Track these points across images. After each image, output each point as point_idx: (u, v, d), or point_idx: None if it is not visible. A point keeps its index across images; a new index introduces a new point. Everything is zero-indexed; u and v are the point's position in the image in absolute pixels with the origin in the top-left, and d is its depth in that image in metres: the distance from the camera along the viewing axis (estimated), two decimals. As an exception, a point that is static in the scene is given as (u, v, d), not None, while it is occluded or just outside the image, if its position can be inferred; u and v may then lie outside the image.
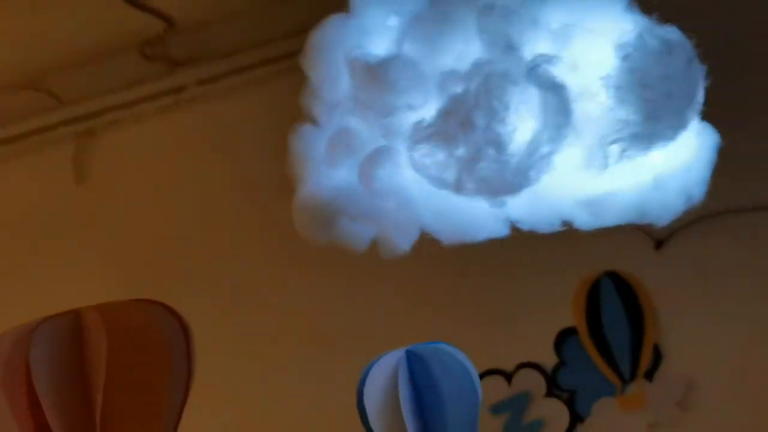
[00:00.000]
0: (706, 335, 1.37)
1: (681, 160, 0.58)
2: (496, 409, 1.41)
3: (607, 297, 1.39)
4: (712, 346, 1.36)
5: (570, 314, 1.39)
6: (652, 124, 0.51)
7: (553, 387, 1.39)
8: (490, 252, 1.20)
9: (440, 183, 0.54)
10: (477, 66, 0.50)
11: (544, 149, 0.50)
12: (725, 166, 1.32)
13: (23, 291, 1.52)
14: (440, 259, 1.32)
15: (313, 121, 0.68)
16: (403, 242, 0.62)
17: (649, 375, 1.38)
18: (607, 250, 1.39)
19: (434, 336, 1.07)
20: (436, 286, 1.41)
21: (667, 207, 0.60)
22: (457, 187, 0.53)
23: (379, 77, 0.50)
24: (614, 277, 1.38)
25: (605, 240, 1.40)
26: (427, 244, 0.85)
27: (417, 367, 0.91)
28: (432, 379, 0.91)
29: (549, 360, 1.40)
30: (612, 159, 0.52)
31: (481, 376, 1.04)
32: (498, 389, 1.41)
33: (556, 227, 0.62)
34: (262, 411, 1.47)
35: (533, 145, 0.50)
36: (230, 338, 1.42)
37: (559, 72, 0.51)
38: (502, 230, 0.61)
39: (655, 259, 1.39)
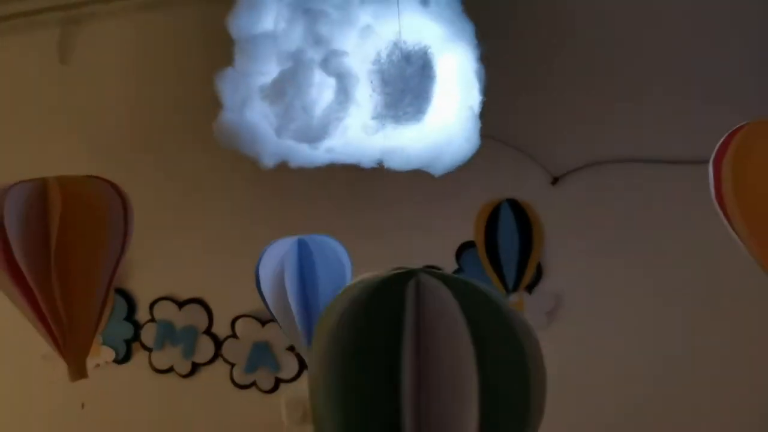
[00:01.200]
0: (581, 261, 1.63)
1: (447, 131, 0.80)
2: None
3: (505, 219, 1.63)
4: (583, 271, 1.63)
5: (472, 230, 1.65)
6: (392, 109, 0.72)
7: (449, 288, 1.67)
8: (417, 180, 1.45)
9: (274, 129, 0.77)
10: (295, 52, 0.71)
11: (335, 115, 0.72)
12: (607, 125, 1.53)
13: (3, 154, 1.81)
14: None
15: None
16: (270, 162, 0.86)
17: (530, 288, 1.65)
18: (511, 182, 1.63)
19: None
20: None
21: (439, 162, 0.83)
22: (278, 134, 0.76)
23: (245, 49, 0.72)
24: (513, 203, 1.62)
25: (511, 174, 1.64)
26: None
27: (304, 251, 1.17)
28: (313, 264, 1.18)
29: (450, 266, 1.67)
30: (373, 130, 0.74)
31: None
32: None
33: (372, 165, 0.86)
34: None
35: (327, 111, 0.72)
36: (166, 216, 1.71)
37: (347, 63, 0.72)
38: (320, 160, 0.85)
39: (549, 193, 1.62)
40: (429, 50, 0.73)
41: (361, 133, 0.77)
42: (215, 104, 1.20)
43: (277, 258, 1.20)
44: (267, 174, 1.55)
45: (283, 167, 1.06)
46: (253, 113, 0.80)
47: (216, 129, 0.91)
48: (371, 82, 0.72)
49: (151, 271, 1.82)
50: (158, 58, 1.76)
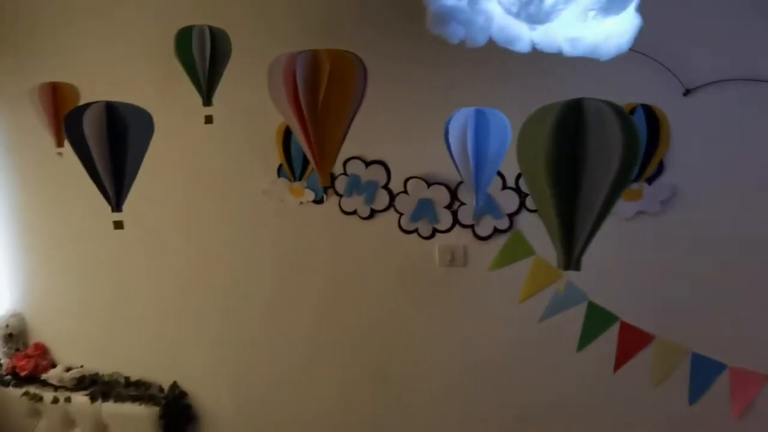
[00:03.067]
0: (699, 163, 1.96)
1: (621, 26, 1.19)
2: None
3: (638, 120, 1.96)
4: (700, 172, 1.96)
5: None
6: (609, 3, 1.12)
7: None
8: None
9: (507, 11, 1.21)
10: None
11: (559, 7, 1.15)
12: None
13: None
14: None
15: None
16: (481, 40, 1.30)
17: (650, 180, 2.01)
18: (646, 89, 1.96)
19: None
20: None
21: (609, 50, 1.22)
22: (516, 16, 1.19)
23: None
24: (646, 108, 1.96)
25: (647, 82, 1.96)
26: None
27: (480, 118, 1.62)
28: (487, 128, 1.63)
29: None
30: (588, 18, 1.15)
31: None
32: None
33: (556, 51, 1.27)
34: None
35: (554, 4, 1.14)
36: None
37: None
38: (526, 47, 1.27)
39: (682, 102, 1.94)
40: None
41: (563, 23, 1.18)
42: None
43: (460, 121, 1.67)
44: (450, 58, 1.99)
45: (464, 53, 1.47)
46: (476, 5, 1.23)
47: (430, 15, 1.33)
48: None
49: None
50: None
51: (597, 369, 2.14)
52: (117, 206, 1.83)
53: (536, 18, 1.20)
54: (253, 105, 2.34)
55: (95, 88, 2.30)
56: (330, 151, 1.62)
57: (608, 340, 2.10)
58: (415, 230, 2.32)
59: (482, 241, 2.24)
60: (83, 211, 2.80)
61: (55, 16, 2.73)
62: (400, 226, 2.33)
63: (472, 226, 2.25)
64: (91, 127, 1.75)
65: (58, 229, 2.93)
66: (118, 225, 1.83)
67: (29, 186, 2.95)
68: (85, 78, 2.46)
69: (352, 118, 1.66)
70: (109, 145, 1.77)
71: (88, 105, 1.75)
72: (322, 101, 1.54)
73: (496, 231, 2.22)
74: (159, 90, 2.47)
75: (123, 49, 2.59)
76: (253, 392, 2.68)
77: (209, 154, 2.56)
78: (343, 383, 2.53)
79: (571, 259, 1.22)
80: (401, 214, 2.32)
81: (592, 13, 1.16)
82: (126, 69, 2.59)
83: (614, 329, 2.09)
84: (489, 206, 2.19)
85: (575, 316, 2.11)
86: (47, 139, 2.36)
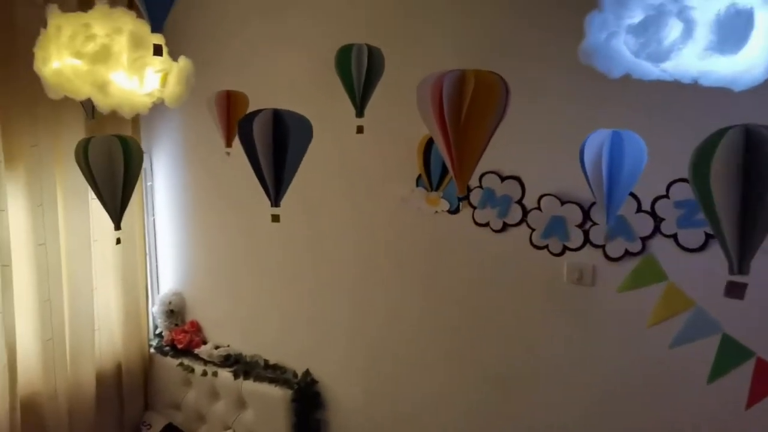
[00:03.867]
0: None
1: (750, 61, 1.22)
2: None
3: None
4: None
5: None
6: (719, 45, 1.15)
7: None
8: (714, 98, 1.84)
9: (633, 52, 1.27)
10: (658, 6, 1.19)
11: (678, 46, 1.19)
12: None
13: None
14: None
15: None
16: (618, 73, 1.37)
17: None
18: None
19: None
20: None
21: (744, 82, 1.25)
22: (637, 54, 1.26)
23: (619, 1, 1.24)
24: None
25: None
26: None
27: (616, 139, 1.67)
28: (622, 149, 1.68)
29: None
30: (703, 57, 1.19)
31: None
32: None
33: (689, 82, 1.31)
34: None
35: (672, 43, 1.20)
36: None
37: (694, 13, 1.17)
38: (660, 77, 1.33)
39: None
40: (753, 8, 1.15)
41: (688, 59, 1.23)
42: (566, 29, 1.71)
43: (596, 141, 1.72)
44: (591, 83, 2.04)
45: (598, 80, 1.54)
46: (615, 42, 1.31)
47: (580, 50, 1.43)
48: (710, 27, 1.17)
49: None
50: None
51: (727, 402, 2.08)
52: (276, 202, 2.06)
53: (656, 57, 1.26)
54: (398, 118, 2.52)
55: (262, 95, 2.58)
56: (469, 163, 1.74)
57: (742, 374, 2.03)
58: (546, 246, 2.37)
59: (612, 262, 2.25)
60: (242, 205, 3.13)
61: (229, 26, 3.08)
62: (530, 241, 2.40)
63: (603, 247, 2.27)
64: (259, 130, 1.99)
65: (219, 220, 3.28)
66: (275, 218, 2.06)
67: (198, 180, 3.34)
68: (253, 85, 2.77)
69: (492, 134, 1.77)
70: (273, 147, 2.01)
71: (258, 111, 2.00)
72: (464, 116, 1.66)
73: (628, 253, 2.22)
74: (318, 100, 2.72)
75: (289, 61, 2.89)
76: (378, 386, 2.85)
77: (356, 161, 2.77)
78: (463, 387, 2.62)
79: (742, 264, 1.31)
80: (533, 230, 2.39)
81: (708, 53, 1.20)
82: (290, 78, 2.87)
83: (749, 364, 2.02)
84: (621, 228, 2.20)
85: (707, 345, 2.06)
86: (217, 139, 2.69)
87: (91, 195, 3.06)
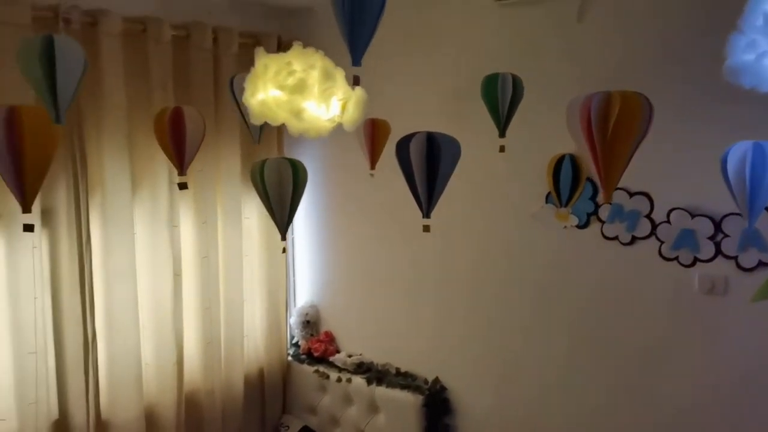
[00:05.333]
0: None
1: None
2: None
3: None
4: None
5: None
6: None
7: None
8: None
9: None
10: None
11: None
12: None
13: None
14: None
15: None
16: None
17: None
18: None
19: None
20: None
21: None
22: None
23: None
24: None
25: None
26: None
27: (757, 150, 1.81)
28: (764, 160, 1.81)
29: None
30: None
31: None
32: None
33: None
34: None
35: None
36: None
37: None
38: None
39: None
40: None
41: None
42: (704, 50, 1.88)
43: (738, 153, 1.87)
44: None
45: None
46: (766, 61, 1.49)
47: (726, 68, 1.62)
48: None
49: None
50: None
51: None
52: (427, 214, 2.31)
53: None
54: (529, 140, 2.74)
55: (399, 121, 2.83)
56: (614, 174, 1.93)
57: None
58: (676, 258, 2.49)
59: (745, 273, 2.35)
60: (374, 223, 3.41)
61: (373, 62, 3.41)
62: (660, 254, 2.52)
63: (735, 257, 2.37)
64: (414, 150, 2.26)
65: (352, 238, 3.58)
66: (426, 229, 2.31)
67: (335, 200, 3.65)
68: (392, 112, 3.05)
69: (635, 149, 1.95)
70: (426, 165, 2.28)
71: (414, 134, 2.27)
72: (611, 133, 1.86)
73: (761, 264, 2.31)
74: (461, 121, 2.92)
75: (420, 91, 3.16)
76: (508, 398, 3.01)
77: (493, 178, 2.98)
78: (597, 401, 2.75)
79: None
80: (662, 242, 2.52)
81: None
82: (432, 103, 3.12)
83: None
84: (755, 239, 2.30)
85: None
86: (354, 162, 2.98)
87: (245, 214, 3.45)
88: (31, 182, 1.95)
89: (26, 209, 1.97)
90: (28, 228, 2.02)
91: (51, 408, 2.78)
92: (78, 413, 2.82)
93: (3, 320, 2.62)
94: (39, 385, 2.69)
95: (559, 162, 2.67)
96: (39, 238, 2.66)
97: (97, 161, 2.84)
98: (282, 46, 3.47)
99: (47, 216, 2.71)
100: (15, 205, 2.54)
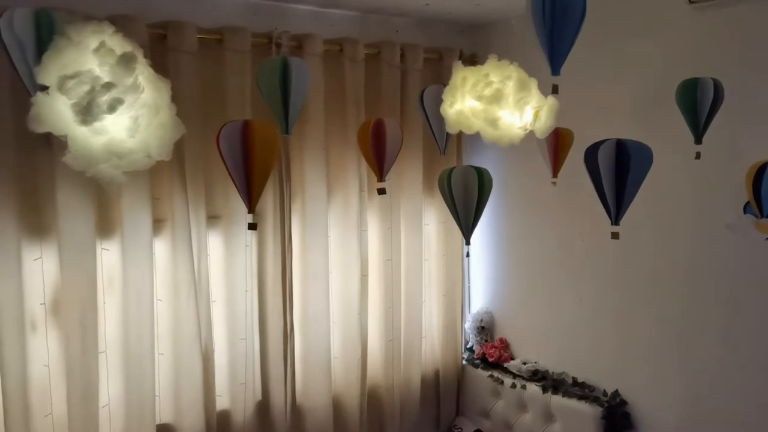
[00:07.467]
0: None
1: None
2: None
3: None
4: None
5: None
6: None
7: None
8: None
9: None
10: None
11: None
12: None
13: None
14: None
15: None
16: None
17: None
18: None
19: None
20: None
21: None
22: None
23: None
24: None
25: None
26: None
27: None
28: None
29: None
30: None
31: None
32: None
33: None
34: None
35: None
36: None
37: None
38: None
39: None
40: None
41: None
42: None
43: None
44: None
45: None
46: None
47: None
48: None
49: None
50: None
51: None
52: (615, 221, 2.31)
53: None
54: (726, 145, 2.61)
55: (584, 126, 2.82)
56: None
57: None
58: None
59: None
60: (553, 232, 3.42)
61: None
62: None
63: None
64: (603, 156, 2.28)
65: (528, 246, 3.62)
66: (615, 236, 2.31)
67: (513, 208, 3.71)
68: (576, 118, 3.05)
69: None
70: (615, 172, 2.28)
71: (603, 141, 2.28)
72: None
73: None
74: (649, 127, 2.86)
75: (609, 94, 3.11)
76: (697, 414, 2.87)
77: (681, 185, 2.87)
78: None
79: None
80: None
81: None
82: (618, 109, 3.07)
83: None
84: None
85: None
86: (533, 170, 3.01)
87: (425, 221, 3.63)
88: (257, 187, 2.24)
89: (251, 210, 2.26)
90: (252, 227, 2.31)
91: (256, 389, 3.12)
92: (278, 396, 3.14)
93: (222, 308, 3.00)
94: (247, 368, 3.04)
95: (760, 170, 2.52)
96: (250, 237, 3.01)
97: (299, 170, 3.15)
98: (463, 60, 3.61)
99: (257, 219, 3.06)
100: (234, 208, 2.93)
